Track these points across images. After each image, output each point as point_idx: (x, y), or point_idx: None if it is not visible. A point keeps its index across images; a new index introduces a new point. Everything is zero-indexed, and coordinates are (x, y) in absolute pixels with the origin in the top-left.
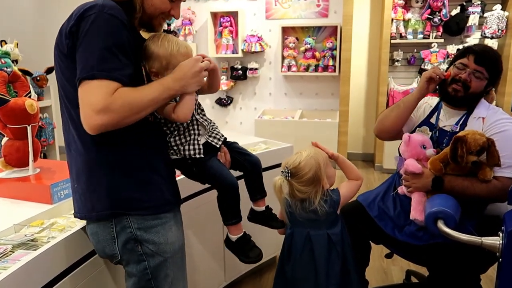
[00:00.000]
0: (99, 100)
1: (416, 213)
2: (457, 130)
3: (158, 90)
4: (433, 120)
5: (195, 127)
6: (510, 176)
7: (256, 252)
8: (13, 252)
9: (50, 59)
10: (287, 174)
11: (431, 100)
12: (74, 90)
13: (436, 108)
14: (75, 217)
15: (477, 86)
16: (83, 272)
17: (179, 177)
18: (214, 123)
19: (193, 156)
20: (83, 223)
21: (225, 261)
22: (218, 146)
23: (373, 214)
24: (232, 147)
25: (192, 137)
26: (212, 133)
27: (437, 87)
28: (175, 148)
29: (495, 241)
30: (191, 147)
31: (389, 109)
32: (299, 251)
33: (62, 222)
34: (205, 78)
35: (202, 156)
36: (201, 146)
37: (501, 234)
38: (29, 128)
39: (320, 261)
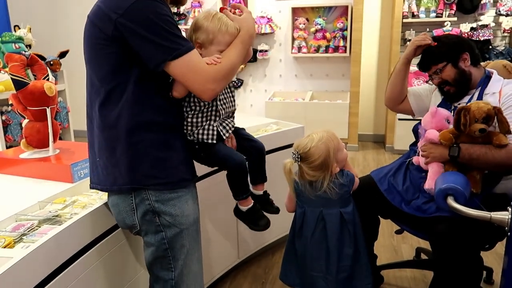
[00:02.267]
0: (206, 72)
1: (432, 183)
2: None
3: (239, 48)
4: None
5: (213, 112)
6: None
7: (265, 221)
8: (39, 227)
9: (62, 44)
10: (296, 158)
11: None
12: (108, 71)
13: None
14: (92, 188)
15: (449, 75)
16: (107, 245)
17: None
18: (234, 108)
19: (205, 141)
20: (103, 200)
21: (238, 239)
22: (224, 137)
23: (382, 188)
24: (238, 133)
25: (208, 122)
26: (224, 122)
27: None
28: (189, 128)
29: (504, 215)
30: (205, 131)
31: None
32: (312, 229)
33: (83, 199)
34: None
35: (215, 142)
36: (215, 132)
37: (510, 209)
38: (48, 110)
39: (332, 239)
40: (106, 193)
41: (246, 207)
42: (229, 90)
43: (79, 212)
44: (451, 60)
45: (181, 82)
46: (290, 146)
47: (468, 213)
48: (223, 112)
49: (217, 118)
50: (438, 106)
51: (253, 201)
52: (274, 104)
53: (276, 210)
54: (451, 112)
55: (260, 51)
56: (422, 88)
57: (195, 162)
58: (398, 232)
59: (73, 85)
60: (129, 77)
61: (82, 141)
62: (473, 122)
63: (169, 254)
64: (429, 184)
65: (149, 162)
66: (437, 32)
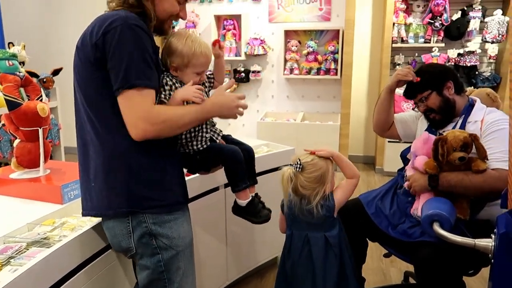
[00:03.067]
0: (143, 112)
1: (418, 208)
2: None
3: (197, 112)
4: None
5: (204, 125)
6: (505, 169)
7: (265, 212)
8: (28, 249)
9: (56, 61)
10: (298, 167)
11: None
12: (98, 96)
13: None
14: (85, 215)
15: (434, 103)
16: (95, 268)
17: (186, 178)
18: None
19: (200, 149)
20: (93, 222)
21: (227, 261)
22: (217, 141)
23: (370, 212)
24: (226, 139)
25: (201, 134)
26: (214, 128)
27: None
28: (183, 142)
29: (488, 243)
30: (199, 142)
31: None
32: (298, 252)
33: (73, 221)
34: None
35: (208, 143)
36: (207, 140)
37: (493, 236)
38: (40, 131)
39: (317, 262)
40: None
41: (245, 200)
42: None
43: (68, 234)
44: (435, 88)
45: (123, 116)
46: (280, 168)
47: (453, 240)
48: (210, 120)
49: (207, 128)
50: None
51: (251, 195)
52: (266, 124)
53: (267, 213)
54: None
55: (253, 72)
56: (408, 115)
57: (191, 181)
58: (386, 255)
59: (65, 102)
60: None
61: (73, 158)
62: (451, 152)
63: (164, 277)
64: (415, 208)
65: (146, 185)
66: (425, 57)
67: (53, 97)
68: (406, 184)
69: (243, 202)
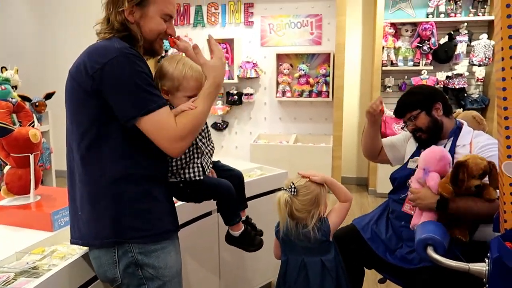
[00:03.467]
0: (171, 132)
1: (417, 221)
2: None
3: (205, 102)
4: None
5: (196, 150)
6: None
7: (258, 239)
8: (16, 279)
9: (49, 84)
10: (293, 190)
11: None
12: (89, 124)
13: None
14: (73, 243)
15: (422, 123)
16: None
17: (177, 203)
18: (212, 147)
19: (193, 179)
20: (83, 250)
21: (220, 286)
22: (207, 173)
23: (366, 237)
24: (216, 165)
25: (193, 160)
26: (205, 158)
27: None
28: (174, 171)
29: (481, 267)
30: (191, 170)
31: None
32: (294, 277)
33: (63, 249)
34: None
35: (202, 178)
36: (200, 169)
37: (487, 260)
38: (31, 157)
39: (314, 287)
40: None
41: (238, 231)
42: (206, 128)
43: (57, 263)
44: (424, 108)
45: (151, 139)
46: (273, 191)
47: (447, 264)
48: (204, 148)
49: (200, 155)
50: (413, 154)
51: (244, 224)
52: (258, 146)
53: (259, 233)
54: None
55: (246, 94)
56: (396, 138)
57: (182, 207)
58: (381, 281)
59: (57, 126)
60: (111, 130)
61: (64, 182)
62: (470, 178)
63: None
64: (414, 224)
65: (133, 214)
66: (415, 79)
67: (45, 121)
68: (409, 197)
69: (236, 233)
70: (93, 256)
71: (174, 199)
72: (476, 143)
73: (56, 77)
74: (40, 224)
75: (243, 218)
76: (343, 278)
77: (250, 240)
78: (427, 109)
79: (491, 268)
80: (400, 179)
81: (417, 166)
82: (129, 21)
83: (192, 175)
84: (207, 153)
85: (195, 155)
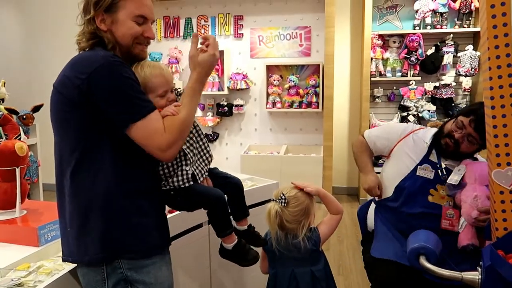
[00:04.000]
0: (159, 140)
1: (471, 239)
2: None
3: (191, 99)
4: (432, 158)
5: (182, 157)
6: None
7: (253, 254)
8: None
9: (36, 97)
10: (283, 201)
11: (423, 134)
12: (76, 136)
13: (432, 145)
14: (64, 261)
15: (468, 148)
16: None
17: (169, 215)
18: (208, 154)
19: (182, 186)
20: (71, 266)
21: None
22: (199, 181)
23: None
24: (213, 173)
25: (181, 167)
26: (198, 167)
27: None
28: (163, 178)
29: (474, 276)
30: (179, 178)
31: (357, 154)
32: None
33: (49, 265)
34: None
35: (190, 184)
36: (189, 175)
37: (479, 269)
38: (17, 170)
39: None
40: None
41: (231, 244)
42: (196, 133)
43: (43, 279)
44: (484, 146)
45: (142, 146)
46: (265, 202)
47: (440, 273)
48: (192, 154)
49: (188, 162)
50: (423, 162)
51: (237, 237)
52: (249, 157)
53: (264, 242)
54: (439, 169)
55: (236, 105)
56: (387, 131)
57: (174, 219)
58: None
59: (45, 139)
60: (99, 143)
61: (52, 195)
62: None
63: None
64: (465, 241)
65: (123, 230)
66: (403, 90)
67: (33, 134)
68: (480, 217)
69: (229, 246)
70: (81, 273)
71: (168, 210)
72: None
73: (44, 90)
74: (26, 239)
75: (245, 227)
76: (333, 287)
77: (243, 253)
78: (484, 147)
79: (484, 277)
80: (411, 189)
81: (440, 176)
82: (102, 30)
83: (180, 182)
84: (199, 160)
85: (183, 162)
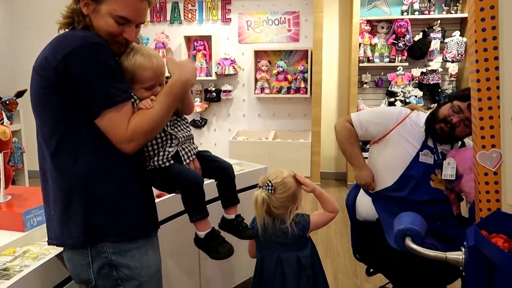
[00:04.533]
0: (122, 132)
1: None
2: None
3: (165, 94)
4: (429, 143)
5: (166, 138)
6: None
7: (227, 247)
8: None
9: (19, 83)
10: (270, 188)
11: (416, 118)
12: (56, 119)
13: (427, 130)
14: (49, 244)
15: (462, 132)
16: None
17: (157, 200)
18: (189, 132)
19: (161, 166)
20: (57, 250)
21: (201, 284)
22: (185, 163)
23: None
24: (203, 155)
25: (163, 148)
26: (185, 148)
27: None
28: (147, 157)
29: (458, 256)
30: (160, 157)
31: (346, 145)
32: (271, 274)
33: (35, 249)
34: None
35: (171, 162)
36: (169, 156)
37: (463, 249)
38: (0, 155)
39: (291, 284)
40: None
41: (203, 232)
42: (176, 117)
43: (30, 264)
44: None
45: (105, 133)
46: (253, 187)
47: (424, 254)
48: (180, 135)
49: (173, 144)
50: (423, 148)
51: (211, 226)
52: (238, 143)
53: (250, 235)
54: (436, 154)
55: (224, 91)
56: (381, 115)
57: (163, 202)
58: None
59: (29, 125)
60: (79, 125)
61: (37, 182)
62: None
63: None
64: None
65: (106, 213)
66: (391, 75)
67: (17, 120)
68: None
69: (201, 234)
70: (67, 257)
71: (156, 194)
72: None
73: (27, 75)
74: (11, 224)
75: (232, 216)
76: (321, 276)
77: (216, 246)
78: None
79: (468, 256)
80: (417, 177)
81: (436, 160)
82: (83, 13)
83: (160, 162)
84: (187, 141)
85: (168, 143)
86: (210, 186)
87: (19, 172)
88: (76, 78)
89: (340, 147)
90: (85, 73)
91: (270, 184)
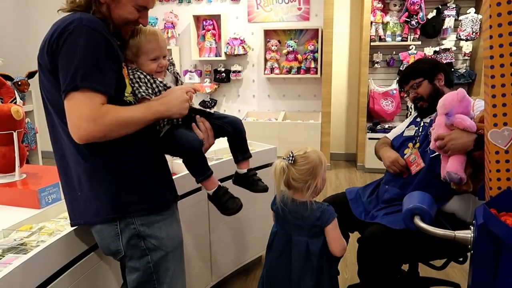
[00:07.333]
0: (87, 111)
1: (453, 167)
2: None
3: (145, 111)
4: (418, 119)
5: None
6: None
7: (235, 202)
8: (3, 256)
9: (31, 63)
10: (290, 159)
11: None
12: (63, 104)
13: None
14: (75, 225)
15: (424, 91)
16: (75, 273)
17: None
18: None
19: (165, 125)
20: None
21: (212, 262)
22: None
23: (349, 197)
24: (211, 115)
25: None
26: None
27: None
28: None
29: (467, 234)
30: (161, 121)
31: (378, 149)
32: (279, 251)
33: (51, 226)
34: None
35: (166, 127)
36: (168, 120)
37: (472, 227)
38: (15, 134)
39: (295, 267)
40: None
41: (210, 190)
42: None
43: (46, 239)
44: (427, 77)
45: (66, 116)
46: (263, 167)
47: (434, 232)
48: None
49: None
50: (408, 126)
51: (218, 184)
52: (247, 124)
53: (263, 189)
54: (418, 129)
55: (234, 71)
56: (398, 128)
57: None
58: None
59: (41, 105)
60: None
61: (51, 162)
62: None
63: (154, 278)
64: (447, 171)
65: (132, 189)
66: (403, 55)
67: (29, 100)
68: (436, 144)
69: (209, 192)
70: (95, 229)
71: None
72: (477, 106)
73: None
74: (27, 202)
75: (244, 170)
76: (326, 272)
77: (224, 202)
78: (430, 78)
79: (476, 235)
80: (396, 146)
81: (416, 132)
82: (100, 1)
83: (161, 124)
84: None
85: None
86: (228, 162)
87: (33, 153)
88: (59, 57)
89: (376, 154)
90: (68, 52)
91: (291, 155)
